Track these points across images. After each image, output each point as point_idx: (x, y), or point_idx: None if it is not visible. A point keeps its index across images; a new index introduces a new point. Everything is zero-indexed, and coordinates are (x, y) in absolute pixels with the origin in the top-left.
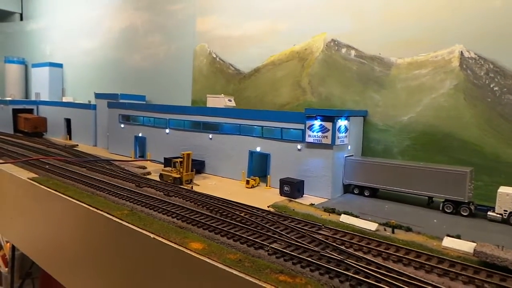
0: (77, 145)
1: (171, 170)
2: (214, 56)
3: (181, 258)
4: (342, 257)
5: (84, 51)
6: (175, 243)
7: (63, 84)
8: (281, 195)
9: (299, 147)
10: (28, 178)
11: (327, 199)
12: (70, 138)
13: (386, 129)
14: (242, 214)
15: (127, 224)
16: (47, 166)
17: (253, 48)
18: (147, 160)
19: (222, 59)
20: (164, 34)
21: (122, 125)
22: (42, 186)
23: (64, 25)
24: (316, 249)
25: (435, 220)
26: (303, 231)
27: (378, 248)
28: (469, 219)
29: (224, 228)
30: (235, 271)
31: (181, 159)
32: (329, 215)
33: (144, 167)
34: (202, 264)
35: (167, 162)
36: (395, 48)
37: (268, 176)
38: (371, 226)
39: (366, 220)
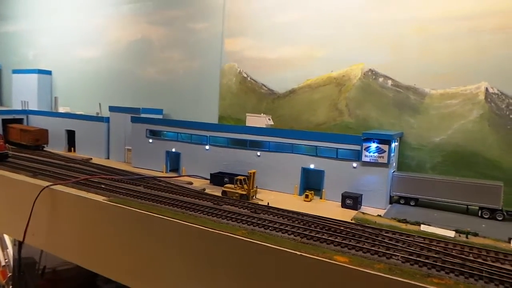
0: (91, 158)
1: (235, 187)
2: (245, 75)
3: (338, 273)
4: (461, 261)
5: (81, 59)
6: (321, 257)
7: (52, 93)
8: (342, 207)
9: (354, 165)
10: (105, 200)
11: (382, 209)
12: (74, 151)
13: (420, 148)
14: (342, 228)
15: (270, 245)
16: (103, 186)
17: (288, 71)
18: (187, 175)
19: (254, 79)
20: (184, 50)
21: (150, 140)
22: (133, 209)
23: (53, 30)
24: (435, 255)
25: (483, 225)
26: (408, 240)
27: (474, 252)
28: (505, 223)
29: (343, 242)
30: (400, 278)
31: (244, 176)
32: (406, 225)
33: (191, 183)
34: (363, 276)
35: (214, 178)
36: (429, 81)
37: (323, 190)
38: (450, 233)
39: (442, 228)
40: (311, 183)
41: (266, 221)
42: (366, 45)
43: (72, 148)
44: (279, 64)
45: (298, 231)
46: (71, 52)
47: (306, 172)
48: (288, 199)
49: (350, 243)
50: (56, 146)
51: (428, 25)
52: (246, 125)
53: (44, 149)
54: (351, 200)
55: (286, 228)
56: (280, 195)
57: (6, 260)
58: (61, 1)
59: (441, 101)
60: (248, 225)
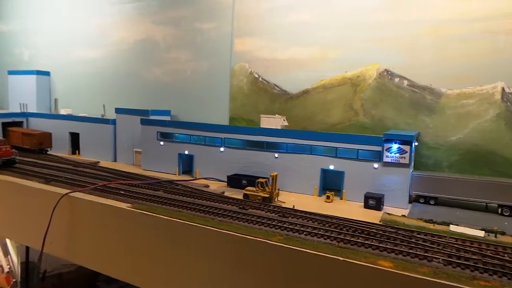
0: (99, 162)
1: (257, 190)
2: (256, 76)
3: (383, 278)
4: (500, 262)
5: (82, 60)
6: (364, 262)
7: (51, 94)
8: (365, 207)
9: (375, 165)
10: (130, 207)
11: (404, 209)
12: (78, 154)
13: (436, 147)
14: (374, 230)
15: (310, 251)
16: (121, 192)
17: (302, 72)
18: (203, 178)
19: (266, 79)
20: (192, 50)
21: (162, 143)
22: (163, 217)
23: (51, 31)
24: (473, 257)
25: (505, 223)
26: (442, 241)
27: (508, 252)
28: None
29: (380, 245)
30: (446, 282)
31: (265, 179)
32: (434, 225)
33: (208, 186)
34: (410, 281)
35: (231, 180)
36: (446, 81)
37: (343, 191)
38: (479, 233)
39: (471, 228)
40: (330, 184)
41: (298, 225)
42: (381, 45)
43: (77, 151)
44: (291, 64)
45: (332, 235)
46: (71, 53)
47: (325, 173)
48: (309, 201)
49: (387, 246)
50: (59, 149)
51: (443, 26)
52: (261, 126)
53: (48, 152)
54: (374, 201)
55: (319, 232)
56: (300, 197)
57: (9, 266)
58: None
59: (458, 101)
60: (281, 230)
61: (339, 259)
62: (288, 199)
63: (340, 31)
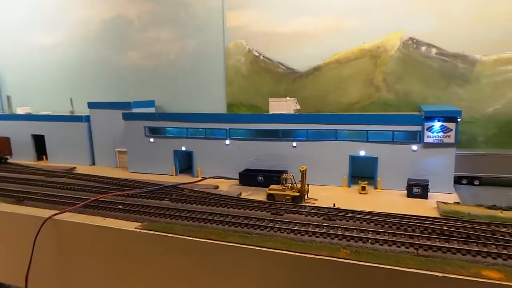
0: (75, 167)
1: (283, 188)
2: (257, 54)
3: None
4: None
5: (38, 48)
6: (467, 275)
7: (1, 92)
8: (408, 196)
9: (414, 148)
10: (140, 229)
11: (450, 194)
12: (46, 159)
13: (471, 121)
14: (445, 227)
15: (396, 268)
16: (120, 206)
17: (311, 46)
18: (211, 177)
19: (268, 57)
20: (174, 29)
21: (151, 139)
22: (188, 238)
23: None
24: None
25: None
26: None
27: None
28: None
29: (467, 248)
30: None
31: (291, 174)
32: (502, 212)
33: (217, 186)
34: None
35: (244, 177)
36: (481, 47)
37: (378, 179)
38: None
39: None
40: (359, 172)
41: (356, 231)
42: (405, 10)
43: (44, 157)
44: (298, 38)
45: (401, 239)
46: (23, 40)
47: (354, 160)
48: (341, 194)
49: (477, 248)
50: (22, 156)
51: None
52: (270, 112)
53: (8, 161)
54: (419, 188)
55: (385, 238)
56: (329, 190)
57: None
58: None
59: (494, 68)
60: (339, 239)
61: (437, 275)
62: (318, 194)
63: None
